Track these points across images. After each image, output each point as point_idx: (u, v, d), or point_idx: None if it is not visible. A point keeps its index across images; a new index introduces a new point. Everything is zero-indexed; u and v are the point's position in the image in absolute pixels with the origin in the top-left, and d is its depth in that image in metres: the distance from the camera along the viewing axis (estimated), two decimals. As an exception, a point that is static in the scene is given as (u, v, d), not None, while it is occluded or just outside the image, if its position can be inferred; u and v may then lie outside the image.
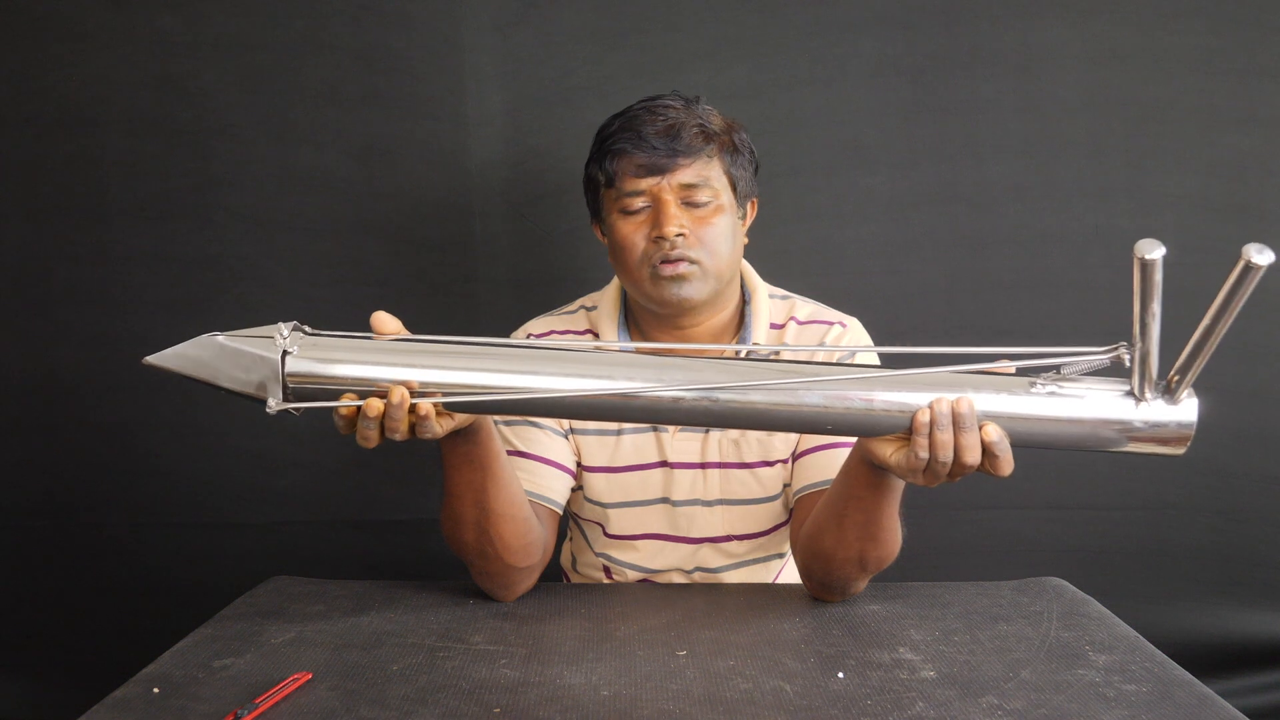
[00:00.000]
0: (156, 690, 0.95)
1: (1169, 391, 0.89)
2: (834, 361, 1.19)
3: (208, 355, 0.93)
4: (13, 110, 1.71)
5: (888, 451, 0.95)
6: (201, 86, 1.70)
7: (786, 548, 1.38)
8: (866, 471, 1.05)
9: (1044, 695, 0.94)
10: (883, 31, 1.71)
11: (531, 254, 1.76)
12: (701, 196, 1.22)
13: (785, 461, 1.30)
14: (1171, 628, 1.77)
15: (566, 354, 0.95)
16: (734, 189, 1.26)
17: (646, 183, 1.22)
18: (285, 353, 0.93)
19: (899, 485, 1.07)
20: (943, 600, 1.20)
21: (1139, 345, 0.86)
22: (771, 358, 1.00)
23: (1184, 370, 0.87)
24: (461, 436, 1.06)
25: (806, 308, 1.35)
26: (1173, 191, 1.73)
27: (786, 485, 1.32)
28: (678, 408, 0.93)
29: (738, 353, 1.23)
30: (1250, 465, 1.79)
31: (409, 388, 0.92)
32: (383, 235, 1.74)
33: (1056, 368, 0.91)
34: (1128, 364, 0.88)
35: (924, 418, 0.90)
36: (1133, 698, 0.94)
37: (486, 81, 1.71)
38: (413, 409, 0.93)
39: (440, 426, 0.96)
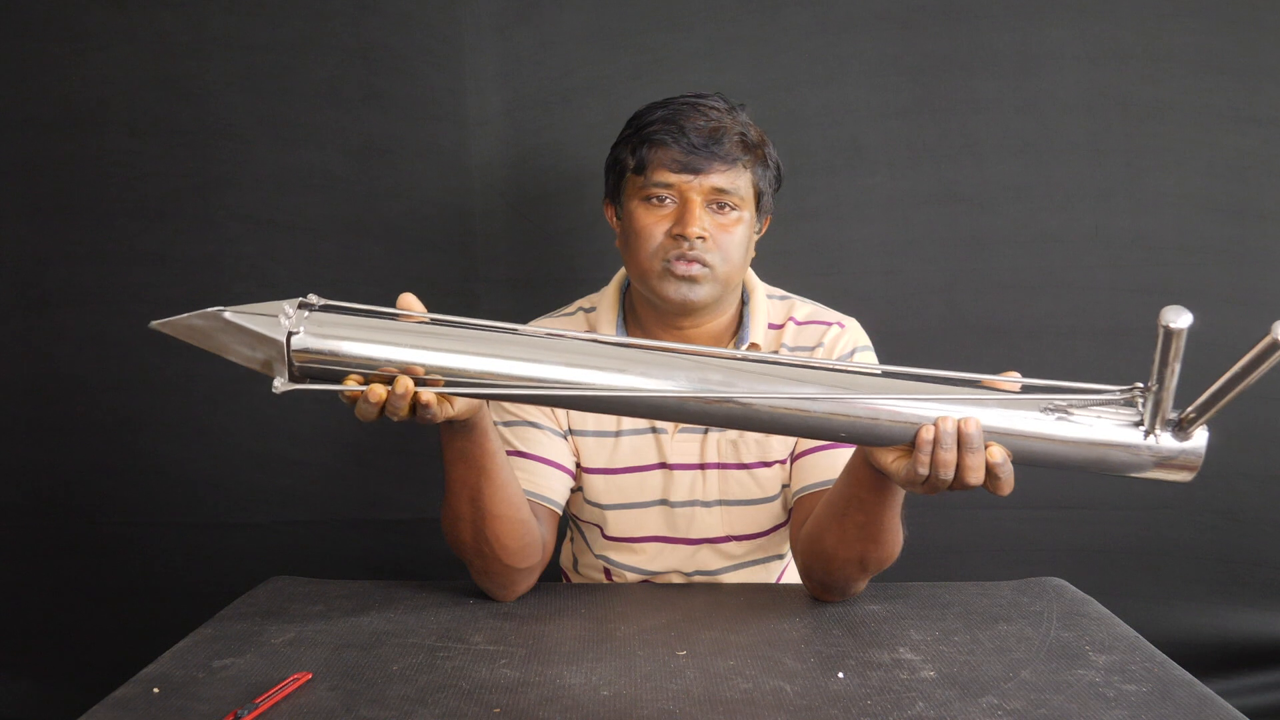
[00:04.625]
0: (156, 690, 0.95)
1: (1180, 428, 0.87)
2: (835, 365, 1.18)
3: (214, 329, 0.93)
4: (13, 110, 1.71)
5: (889, 459, 0.95)
6: (202, 86, 1.70)
7: (786, 549, 1.38)
8: (869, 474, 1.05)
9: (1044, 695, 0.94)
10: (883, 31, 1.71)
11: (531, 254, 1.76)
12: (728, 203, 1.23)
13: (783, 462, 1.31)
14: (1171, 628, 1.77)
15: (577, 344, 0.94)
16: (757, 202, 1.27)
17: (678, 178, 1.22)
18: (290, 334, 0.92)
19: (901, 489, 1.06)
20: (943, 600, 1.20)
21: (1154, 391, 0.84)
22: (778, 359, 0.98)
23: (1200, 410, 0.85)
24: (458, 432, 1.06)
25: (805, 308, 1.35)
26: (1173, 191, 1.73)
27: (785, 486, 1.32)
28: (682, 406, 0.91)
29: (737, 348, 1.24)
30: (1250, 465, 1.78)
31: (413, 374, 0.91)
32: (383, 235, 1.74)
33: (1067, 405, 0.88)
34: (1140, 406, 0.86)
35: (927, 435, 0.88)
36: (1133, 698, 0.94)
37: (486, 81, 1.71)
38: (415, 396, 0.91)
39: (442, 412, 0.95)
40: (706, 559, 1.35)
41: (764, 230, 1.33)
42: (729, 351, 0.96)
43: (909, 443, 0.90)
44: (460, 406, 0.99)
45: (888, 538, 1.10)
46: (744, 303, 1.33)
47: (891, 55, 1.71)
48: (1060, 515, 1.81)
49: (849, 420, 0.89)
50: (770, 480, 1.31)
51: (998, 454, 0.88)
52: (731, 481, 1.31)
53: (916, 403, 0.89)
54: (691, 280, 1.21)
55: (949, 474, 0.88)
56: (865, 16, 1.70)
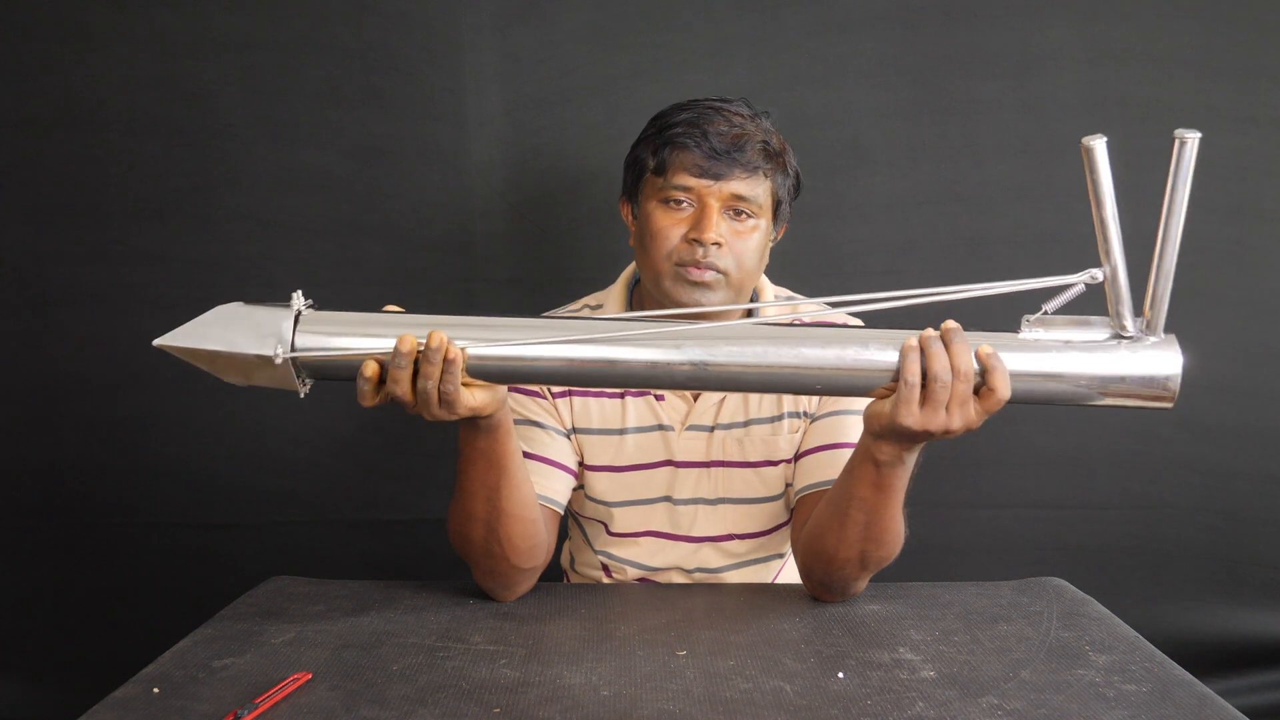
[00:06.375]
0: (156, 690, 0.95)
1: (1150, 325, 0.94)
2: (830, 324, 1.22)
3: (221, 323, 0.95)
4: (13, 110, 1.71)
5: (884, 405, 0.97)
6: (202, 86, 1.70)
7: (786, 548, 1.38)
8: (870, 470, 1.05)
9: (1044, 695, 0.94)
10: (883, 31, 1.71)
11: (531, 254, 1.76)
12: (745, 210, 1.23)
13: (788, 461, 1.31)
14: (1171, 628, 1.77)
15: (584, 324, 0.98)
16: (774, 209, 1.27)
17: (698, 183, 1.21)
18: (299, 313, 0.95)
19: (902, 485, 1.07)
20: (943, 600, 1.20)
21: (1107, 263, 0.91)
22: (773, 321, 1.03)
23: (1156, 296, 0.93)
24: (481, 431, 1.06)
25: (810, 308, 1.35)
26: (1173, 191, 1.73)
27: (789, 485, 1.32)
28: (684, 371, 0.95)
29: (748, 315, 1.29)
30: (1250, 465, 1.79)
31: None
32: (383, 235, 1.74)
33: (1044, 311, 0.96)
34: (1102, 282, 0.92)
35: (913, 341, 0.94)
36: (1133, 698, 0.94)
37: (486, 81, 1.71)
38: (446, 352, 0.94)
39: (467, 399, 0.97)
40: (708, 557, 1.35)
41: (779, 237, 1.33)
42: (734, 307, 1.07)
43: (894, 380, 0.95)
44: (481, 399, 0.99)
45: (889, 537, 1.11)
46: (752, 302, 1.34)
47: (891, 55, 1.71)
48: (1060, 515, 1.81)
49: (838, 366, 0.95)
50: (775, 479, 1.31)
51: (987, 346, 0.94)
52: (736, 480, 1.31)
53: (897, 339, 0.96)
54: (704, 286, 1.21)
55: (944, 366, 0.93)
56: (865, 16, 1.70)
